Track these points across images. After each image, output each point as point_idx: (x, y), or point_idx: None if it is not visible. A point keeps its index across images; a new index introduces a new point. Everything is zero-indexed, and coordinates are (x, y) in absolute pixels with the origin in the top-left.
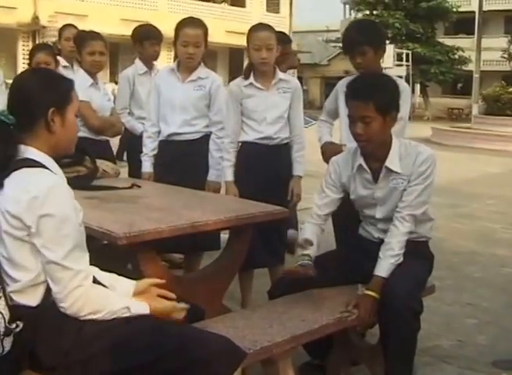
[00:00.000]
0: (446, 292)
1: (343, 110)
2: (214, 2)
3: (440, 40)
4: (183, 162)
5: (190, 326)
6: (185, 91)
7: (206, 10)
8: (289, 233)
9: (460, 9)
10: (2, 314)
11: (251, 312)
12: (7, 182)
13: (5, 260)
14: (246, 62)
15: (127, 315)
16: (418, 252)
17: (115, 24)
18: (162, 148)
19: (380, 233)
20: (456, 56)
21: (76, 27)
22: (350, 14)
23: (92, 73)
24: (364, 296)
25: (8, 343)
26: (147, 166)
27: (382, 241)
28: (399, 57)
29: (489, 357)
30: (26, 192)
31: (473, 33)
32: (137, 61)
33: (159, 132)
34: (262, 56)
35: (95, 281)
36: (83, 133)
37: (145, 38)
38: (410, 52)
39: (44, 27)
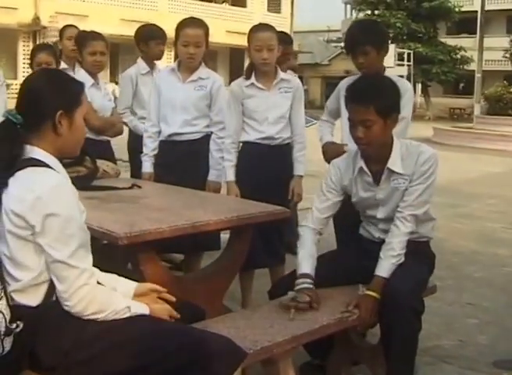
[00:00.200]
0: (446, 292)
1: (345, 110)
2: (215, 2)
3: (442, 39)
4: (184, 162)
5: (191, 327)
6: (185, 91)
7: (206, 10)
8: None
9: (463, 9)
10: (3, 314)
11: (252, 312)
12: (12, 181)
13: (7, 259)
14: (246, 63)
15: (128, 315)
16: (420, 252)
17: (115, 24)
18: (163, 149)
19: (381, 233)
20: (459, 56)
21: (77, 28)
22: (352, 14)
23: (93, 73)
24: (365, 296)
25: (8, 343)
26: (147, 167)
27: (382, 241)
28: (400, 57)
29: (490, 357)
30: (30, 191)
31: (475, 33)
32: (140, 61)
33: (159, 132)
34: (263, 57)
35: (96, 282)
36: None
37: (151, 38)
38: (411, 52)
39: (44, 28)
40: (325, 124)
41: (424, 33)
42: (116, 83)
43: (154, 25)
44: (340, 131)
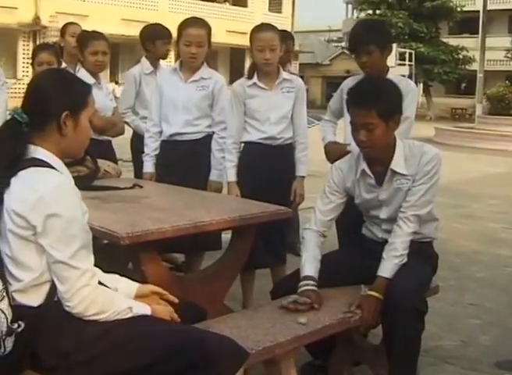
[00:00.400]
0: (448, 292)
1: None
2: (216, 2)
3: (444, 39)
4: (185, 162)
5: (192, 327)
6: (187, 91)
7: (207, 10)
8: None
9: (465, 9)
10: (5, 314)
11: (254, 313)
12: (14, 181)
13: (9, 259)
14: (247, 62)
15: (129, 315)
16: (423, 253)
17: (115, 24)
18: (164, 148)
19: (384, 233)
20: (460, 56)
21: (79, 26)
22: (353, 14)
23: (94, 73)
24: (367, 297)
25: (9, 343)
26: (148, 167)
27: (385, 242)
28: (401, 56)
29: (492, 357)
30: (33, 192)
31: (477, 33)
32: (144, 60)
33: (161, 132)
34: (266, 57)
35: (98, 282)
36: None
37: (158, 37)
38: (413, 52)
39: (44, 27)
40: (327, 124)
41: (425, 32)
42: (116, 82)
43: (159, 24)
44: (343, 131)
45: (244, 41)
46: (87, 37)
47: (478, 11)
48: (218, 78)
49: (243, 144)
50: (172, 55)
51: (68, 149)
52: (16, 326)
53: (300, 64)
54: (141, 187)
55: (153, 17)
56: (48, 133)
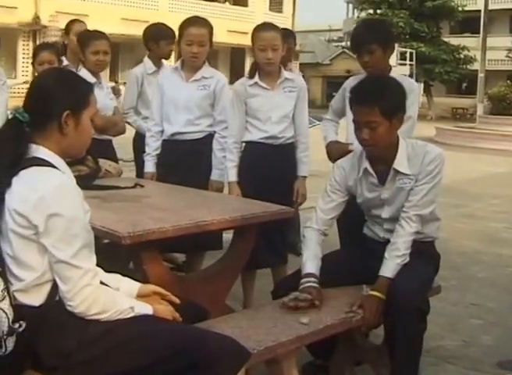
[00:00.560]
0: (450, 292)
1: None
2: (217, 2)
3: (445, 39)
4: (187, 161)
5: (194, 327)
6: (189, 91)
7: (207, 9)
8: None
9: (466, 8)
10: (6, 314)
11: (255, 312)
12: (15, 180)
13: (11, 259)
14: (247, 62)
15: (131, 315)
16: (425, 252)
17: (115, 24)
18: (166, 148)
19: (386, 233)
20: (462, 56)
21: (84, 23)
22: (353, 13)
23: (95, 72)
24: (369, 296)
25: (10, 343)
26: (149, 166)
27: (387, 241)
28: (402, 56)
29: (494, 357)
30: (34, 191)
31: (478, 33)
32: (147, 60)
33: (162, 131)
34: (267, 57)
35: (100, 282)
36: None
37: (162, 38)
38: (413, 51)
39: (44, 27)
40: (329, 123)
41: (427, 32)
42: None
43: (163, 24)
44: (345, 130)
45: (245, 41)
46: (88, 37)
47: (480, 10)
48: (220, 77)
49: (244, 144)
50: (172, 54)
51: (69, 148)
52: (17, 325)
53: (300, 64)
54: (142, 186)
55: (153, 17)
56: (50, 132)
